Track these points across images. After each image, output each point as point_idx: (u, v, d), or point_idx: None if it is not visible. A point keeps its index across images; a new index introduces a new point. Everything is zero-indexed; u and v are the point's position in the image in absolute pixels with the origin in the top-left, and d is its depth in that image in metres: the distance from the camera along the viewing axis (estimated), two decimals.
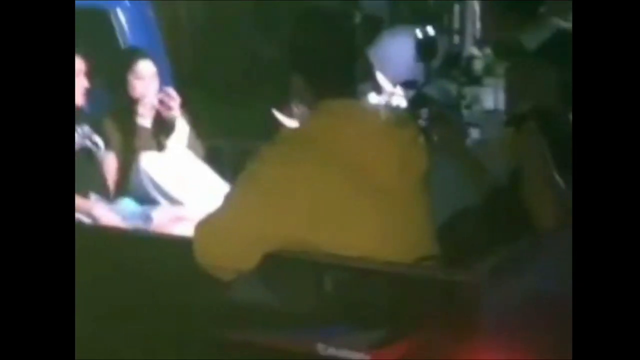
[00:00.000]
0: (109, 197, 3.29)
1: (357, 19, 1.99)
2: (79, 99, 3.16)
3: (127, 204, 3.28)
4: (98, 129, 3.34)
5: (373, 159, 1.86)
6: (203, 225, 1.92)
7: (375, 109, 1.95)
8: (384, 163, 1.86)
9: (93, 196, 3.20)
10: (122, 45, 3.74)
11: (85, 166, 3.18)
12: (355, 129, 1.87)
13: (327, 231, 1.79)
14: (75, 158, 3.11)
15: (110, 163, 3.39)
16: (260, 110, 4.16)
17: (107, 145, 3.36)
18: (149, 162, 3.28)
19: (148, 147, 3.38)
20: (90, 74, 3.20)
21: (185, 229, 3.13)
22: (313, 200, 1.79)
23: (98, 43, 3.67)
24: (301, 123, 1.99)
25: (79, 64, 3.14)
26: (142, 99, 3.39)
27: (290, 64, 1.94)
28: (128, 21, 3.78)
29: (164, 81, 3.63)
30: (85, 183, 3.14)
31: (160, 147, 3.44)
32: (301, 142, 1.89)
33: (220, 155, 3.62)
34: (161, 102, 3.42)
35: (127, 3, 3.81)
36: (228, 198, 1.92)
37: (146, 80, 3.42)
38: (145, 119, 3.38)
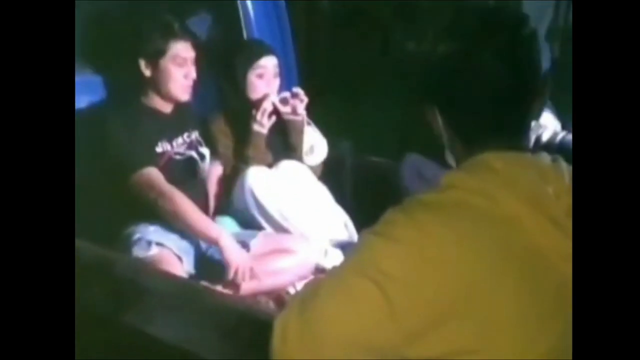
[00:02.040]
0: (208, 213, 2.84)
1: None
2: (184, 93, 2.73)
3: (227, 224, 2.83)
4: (205, 132, 2.91)
5: (558, 241, 1.24)
6: (290, 317, 1.29)
7: (553, 163, 1.34)
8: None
9: None
10: (246, 37, 3.28)
11: (186, 178, 2.75)
12: (530, 193, 1.26)
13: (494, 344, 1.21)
14: (176, 169, 2.71)
15: (214, 173, 2.95)
16: (395, 118, 3.67)
17: (214, 152, 2.92)
18: (256, 178, 2.81)
19: (261, 159, 2.92)
20: (199, 65, 2.76)
21: (286, 264, 2.70)
22: (470, 294, 1.20)
23: (216, 30, 3.23)
24: (449, 181, 1.32)
25: (186, 50, 2.70)
26: (261, 101, 2.93)
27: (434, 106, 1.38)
28: (257, 11, 3.32)
29: (287, 82, 3.16)
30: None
31: (275, 159, 2.98)
32: (449, 210, 1.26)
33: (342, 173, 3.11)
34: (284, 102, 2.95)
35: None
36: (336, 280, 1.29)
37: (269, 79, 2.96)
38: (262, 125, 2.91)
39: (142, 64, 2.67)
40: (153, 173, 2.60)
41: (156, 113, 2.73)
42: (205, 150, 2.83)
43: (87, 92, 2.82)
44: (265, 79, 2.93)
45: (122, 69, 2.76)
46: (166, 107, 2.75)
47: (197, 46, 2.74)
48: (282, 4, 3.39)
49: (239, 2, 3.27)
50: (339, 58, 4.27)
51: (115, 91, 2.85)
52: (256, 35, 3.28)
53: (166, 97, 2.72)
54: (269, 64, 2.94)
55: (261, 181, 2.80)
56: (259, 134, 2.90)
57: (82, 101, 2.79)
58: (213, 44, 3.16)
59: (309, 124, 2.99)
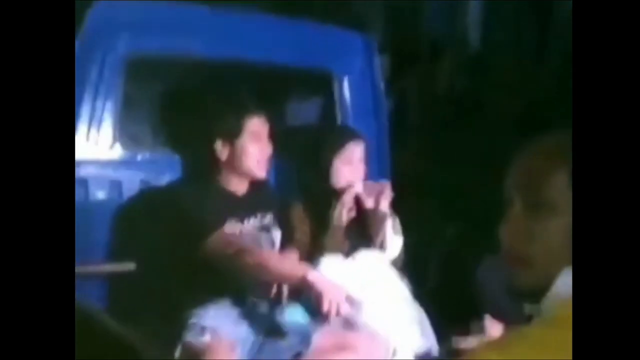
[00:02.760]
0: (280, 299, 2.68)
1: None
2: (260, 170, 2.64)
3: (297, 313, 2.64)
4: (281, 215, 2.77)
5: None
6: None
7: None
8: None
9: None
10: (338, 119, 3.17)
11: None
12: None
13: None
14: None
15: (287, 259, 2.79)
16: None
17: (288, 238, 2.77)
18: (329, 267, 2.63)
19: (337, 249, 2.74)
20: (275, 140, 2.66)
21: None
22: None
23: (303, 109, 3.14)
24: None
25: (261, 125, 2.61)
26: (345, 189, 2.78)
27: None
28: (353, 92, 3.20)
29: (378, 168, 3.00)
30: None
31: (352, 247, 2.79)
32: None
33: (425, 268, 2.87)
34: (369, 191, 2.78)
35: (359, 70, 3.23)
36: None
37: (355, 165, 2.81)
38: (341, 218, 2.76)
39: (219, 144, 2.60)
40: (229, 231, 2.54)
41: (230, 193, 2.65)
42: (276, 234, 2.69)
43: (168, 171, 2.79)
44: (350, 165, 2.79)
45: (198, 149, 2.71)
46: (241, 187, 2.66)
47: (270, 119, 2.65)
48: (380, 85, 3.26)
49: (335, 83, 3.18)
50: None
51: (191, 170, 2.79)
52: (351, 119, 3.16)
53: (242, 174, 2.64)
54: (355, 150, 2.80)
55: (334, 271, 2.61)
56: (337, 226, 2.75)
57: (162, 180, 2.77)
58: (300, 128, 3.06)
59: (391, 217, 2.80)
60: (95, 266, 2.63)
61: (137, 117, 2.80)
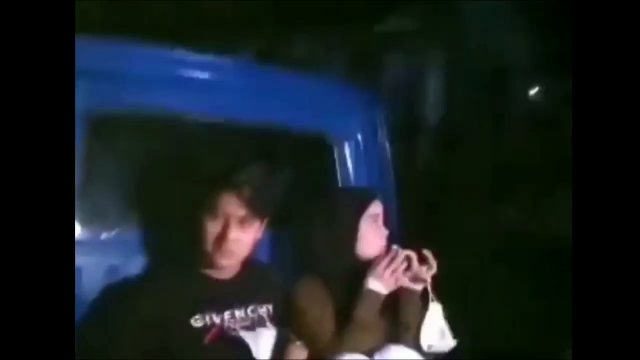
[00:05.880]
0: None
1: None
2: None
3: None
4: (284, 304, 2.22)
5: None
6: None
7: None
8: None
9: None
10: (340, 183, 2.68)
11: None
12: None
13: None
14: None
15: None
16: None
17: (295, 332, 2.21)
18: None
19: (372, 329, 2.21)
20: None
21: None
22: None
23: (302, 175, 2.61)
24: None
25: (236, 205, 2.06)
26: (372, 254, 2.27)
27: None
28: (354, 157, 2.71)
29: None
30: None
31: (378, 344, 2.22)
32: None
33: None
34: (407, 268, 2.24)
35: (360, 137, 2.75)
36: None
37: (380, 229, 2.32)
38: (383, 280, 2.20)
39: (204, 220, 2.07)
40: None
41: (206, 278, 2.12)
42: (269, 332, 2.13)
43: (139, 253, 2.24)
44: (377, 228, 2.30)
45: (176, 226, 2.16)
46: (221, 272, 2.13)
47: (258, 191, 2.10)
48: (385, 146, 2.79)
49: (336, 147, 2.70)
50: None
51: (165, 252, 2.24)
52: (352, 182, 2.68)
53: (211, 262, 2.10)
54: (378, 211, 2.33)
55: None
56: (375, 293, 2.19)
57: (132, 264, 2.22)
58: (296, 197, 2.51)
59: (432, 300, 2.27)
60: None
61: (100, 187, 2.24)
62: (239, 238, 2.05)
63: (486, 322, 2.74)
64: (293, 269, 2.34)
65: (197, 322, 2.04)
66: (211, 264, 2.09)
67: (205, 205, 2.04)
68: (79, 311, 2.10)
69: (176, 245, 2.19)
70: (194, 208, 2.05)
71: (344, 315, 2.22)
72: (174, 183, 2.18)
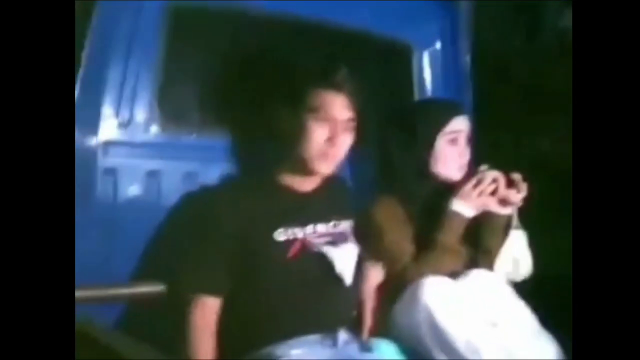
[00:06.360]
0: (358, 335, 2.04)
1: None
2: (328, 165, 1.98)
3: (385, 352, 2.01)
4: (363, 223, 2.13)
5: None
6: None
7: None
8: None
9: (342, 335, 1.97)
10: (416, 96, 2.54)
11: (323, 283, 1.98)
12: None
13: None
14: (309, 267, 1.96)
15: (372, 279, 2.15)
16: None
17: (374, 250, 2.13)
18: (436, 292, 2.00)
19: (454, 254, 2.14)
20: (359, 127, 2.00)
21: None
22: None
23: (380, 86, 2.47)
24: None
25: (342, 107, 1.94)
26: (452, 177, 2.17)
27: None
28: (433, 68, 2.57)
29: None
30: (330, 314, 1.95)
31: (462, 267, 2.16)
32: None
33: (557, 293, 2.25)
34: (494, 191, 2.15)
35: (440, 46, 2.60)
36: None
37: (462, 148, 2.20)
38: (469, 200, 2.13)
39: (284, 124, 1.96)
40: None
41: (289, 190, 2.01)
42: (352, 248, 2.05)
43: (218, 159, 2.13)
44: (458, 147, 2.18)
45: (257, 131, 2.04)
46: (305, 184, 2.01)
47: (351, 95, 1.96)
48: (466, 62, 2.64)
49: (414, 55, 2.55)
50: None
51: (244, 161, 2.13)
52: (428, 94, 2.56)
53: (305, 169, 1.98)
54: (463, 127, 2.19)
55: (444, 297, 1.99)
56: (460, 215, 2.12)
57: (211, 171, 2.11)
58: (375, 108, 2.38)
59: (516, 227, 2.18)
60: (118, 288, 1.97)
61: (181, 89, 2.10)
62: (346, 142, 1.94)
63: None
64: (371, 188, 2.24)
65: (280, 235, 1.96)
66: (307, 170, 1.97)
67: (306, 105, 1.92)
68: (157, 215, 2.03)
69: (260, 152, 2.08)
70: (292, 108, 1.92)
71: (423, 237, 2.15)
72: (264, 83, 2.04)
